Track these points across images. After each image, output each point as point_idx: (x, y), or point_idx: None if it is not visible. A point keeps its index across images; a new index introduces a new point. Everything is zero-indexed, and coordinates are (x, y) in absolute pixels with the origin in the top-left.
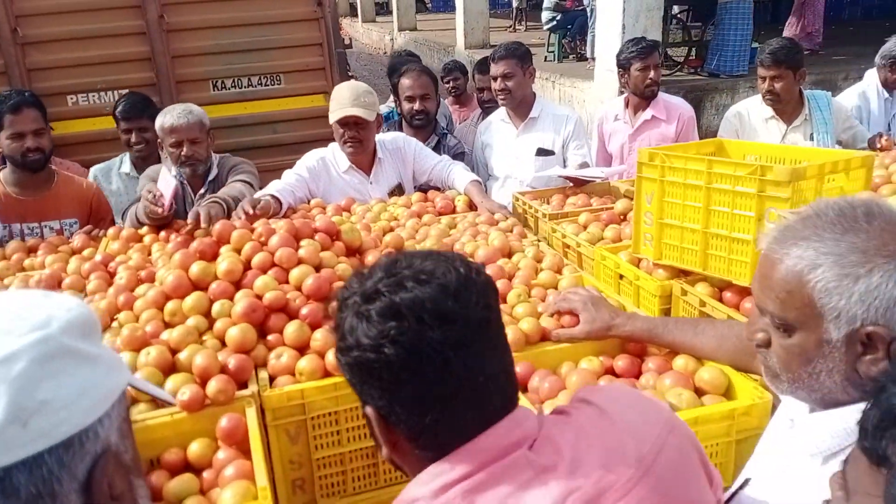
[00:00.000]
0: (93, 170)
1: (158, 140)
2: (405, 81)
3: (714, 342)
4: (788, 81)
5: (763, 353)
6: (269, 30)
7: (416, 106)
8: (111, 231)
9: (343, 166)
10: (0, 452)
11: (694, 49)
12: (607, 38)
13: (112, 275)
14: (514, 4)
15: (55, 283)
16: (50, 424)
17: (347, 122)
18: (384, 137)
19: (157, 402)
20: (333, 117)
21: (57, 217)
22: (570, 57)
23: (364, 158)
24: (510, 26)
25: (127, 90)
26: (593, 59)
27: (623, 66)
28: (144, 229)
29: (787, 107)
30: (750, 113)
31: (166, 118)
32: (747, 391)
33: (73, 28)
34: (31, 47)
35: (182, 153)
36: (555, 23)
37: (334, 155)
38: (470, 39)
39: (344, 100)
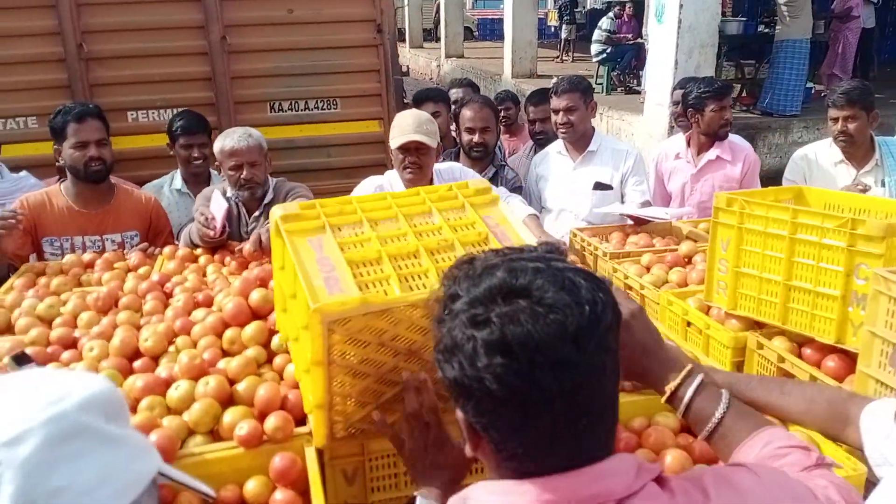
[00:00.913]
0: (144, 188)
1: (216, 162)
2: (466, 113)
3: (803, 405)
4: (862, 122)
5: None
6: (329, 54)
7: (476, 138)
8: (167, 250)
9: None
10: None
11: (746, 87)
12: (659, 73)
13: (168, 295)
14: (563, 35)
15: (112, 302)
16: None
17: (409, 148)
18: (440, 167)
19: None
20: (395, 143)
21: (118, 230)
22: (619, 90)
23: (421, 186)
24: (557, 57)
25: (185, 108)
26: (645, 91)
27: (695, 106)
28: (199, 250)
29: (858, 150)
30: (818, 156)
31: (227, 141)
32: (839, 461)
33: (136, 46)
34: (95, 63)
35: (242, 176)
36: (605, 55)
37: (391, 182)
38: (518, 69)
39: (407, 126)
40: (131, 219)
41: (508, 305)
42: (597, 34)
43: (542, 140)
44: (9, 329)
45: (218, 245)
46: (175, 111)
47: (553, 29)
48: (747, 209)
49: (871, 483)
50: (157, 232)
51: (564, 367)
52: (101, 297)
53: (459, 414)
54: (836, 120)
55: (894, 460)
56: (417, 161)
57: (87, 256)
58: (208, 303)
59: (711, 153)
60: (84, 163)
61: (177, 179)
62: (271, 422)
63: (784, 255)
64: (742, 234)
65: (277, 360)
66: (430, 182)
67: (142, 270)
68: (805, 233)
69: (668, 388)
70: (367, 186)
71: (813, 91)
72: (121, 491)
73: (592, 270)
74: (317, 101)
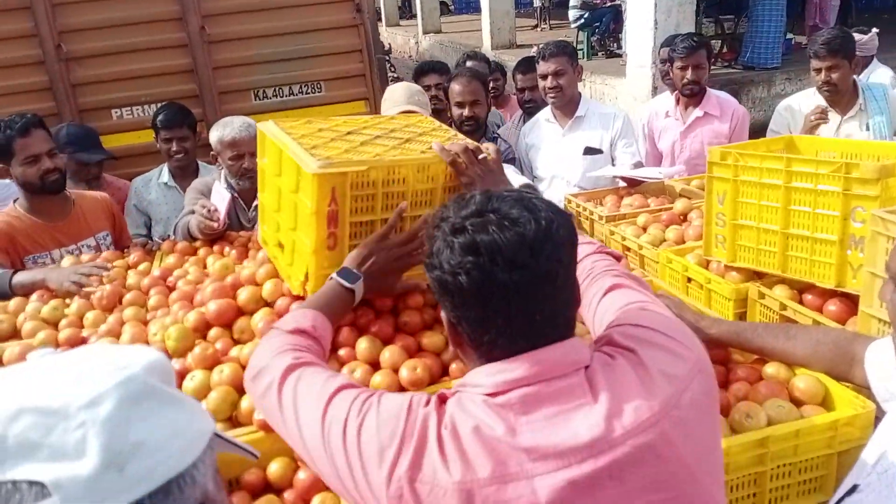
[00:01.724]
0: (134, 181)
1: (213, 153)
2: (455, 87)
3: (809, 348)
4: (844, 71)
5: None
6: (309, 37)
7: (466, 112)
8: (165, 245)
9: None
10: (99, 499)
11: (726, 42)
12: (638, 34)
13: (171, 289)
14: (537, 4)
15: (116, 300)
16: (147, 468)
17: None
18: None
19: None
20: (388, 114)
21: (90, 234)
22: (600, 54)
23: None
24: (535, 25)
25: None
26: (627, 54)
27: (670, 62)
28: (198, 242)
29: (842, 98)
30: (802, 106)
31: (226, 130)
32: (847, 400)
33: (116, 42)
34: (74, 63)
35: (243, 165)
36: (583, 20)
37: None
38: (496, 40)
39: (399, 97)
40: (98, 220)
41: (481, 218)
42: (574, 0)
43: (531, 108)
44: (15, 334)
45: (217, 237)
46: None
47: None
48: (741, 161)
49: (878, 420)
50: (122, 227)
51: (520, 268)
52: (105, 295)
53: (443, 314)
54: (818, 70)
55: None
56: None
57: (84, 257)
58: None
59: (699, 110)
60: (40, 177)
61: (164, 173)
62: None
63: (780, 203)
64: (737, 187)
65: None
66: None
67: (141, 267)
68: (800, 180)
69: None
70: None
71: (793, 42)
72: (187, 447)
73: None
74: (301, 86)
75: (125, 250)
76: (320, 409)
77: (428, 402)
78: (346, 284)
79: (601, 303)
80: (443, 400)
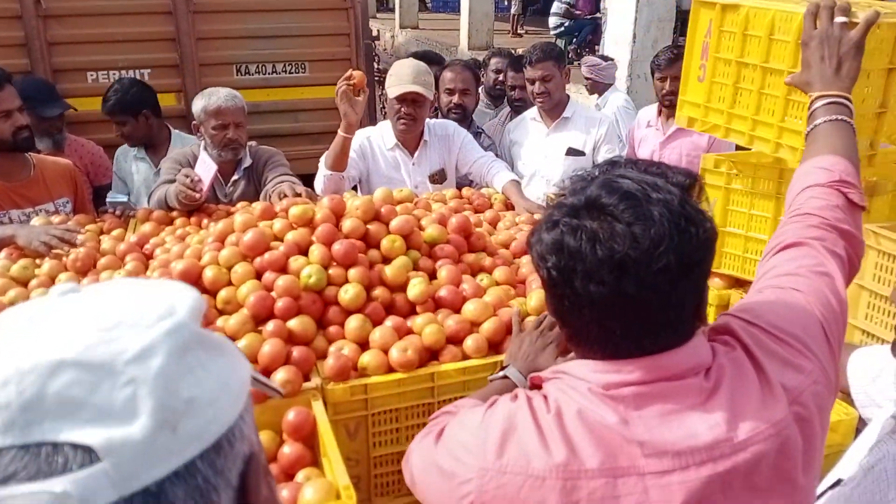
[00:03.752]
0: (119, 150)
1: (195, 122)
2: (447, 74)
3: None
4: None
5: None
6: (298, 16)
7: (455, 99)
8: (140, 213)
9: (389, 143)
10: (152, 464)
11: None
12: (617, 46)
13: (149, 257)
14: (513, 11)
15: (91, 263)
16: (200, 426)
17: (405, 99)
18: (433, 122)
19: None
20: (393, 92)
21: (49, 199)
22: (576, 64)
23: (412, 138)
24: (511, 30)
25: (148, 70)
26: None
27: (651, 72)
28: (174, 213)
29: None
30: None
31: (211, 100)
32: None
33: (97, 3)
34: (53, 20)
35: (227, 136)
36: (562, 29)
37: (381, 132)
38: (474, 41)
39: (405, 76)
40: (58, 185)
41: (578, 219)
42: (556, 6)
43: (519, 107)
44: None
45: (194, 208)
46: (139, 73)
47: (506, 2)
48: (735, 170)
49: (858, 431)
50: (84, 196)
51: (597, 285)
52: (79, 257)
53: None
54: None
55: (881, 401)
56: (412, 113)
57: (55, 219)
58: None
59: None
60: (12, 133)
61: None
62: (281, 375)
63: (771, 215)
64: (728, 195)
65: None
66: (421, 135)
67: (115, 233)
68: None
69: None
70: (358, 138)
71: None
72: (234, 399)
73: (700, 207)
74: (284, 65)
75: (98, 215)
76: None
77: (516, 397)
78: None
79: (773, 258)
80: (536, 385)
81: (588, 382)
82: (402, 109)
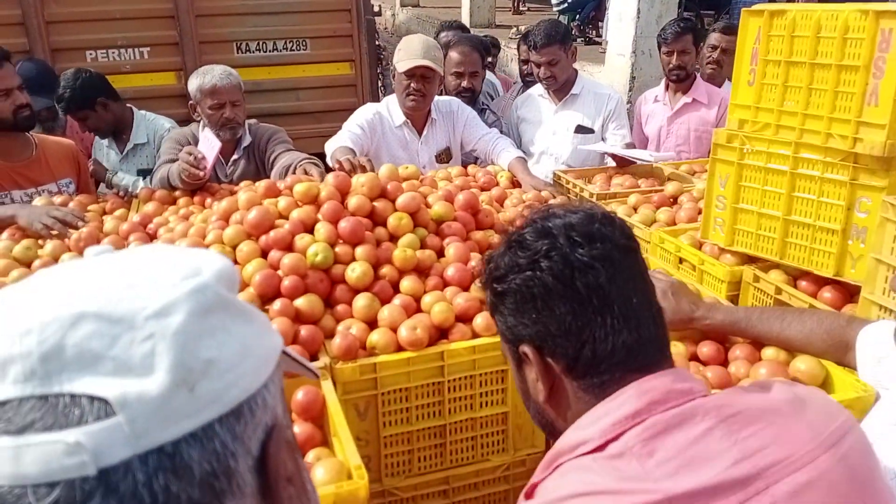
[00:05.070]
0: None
1: (191, 102)
2: (454, 56)
3: (803, 337)
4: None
5: None
6: None
7: (465, 83)
8: (142, 193)
9: (398, 120)
10: (168, 423)
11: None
12: (620, 22)
13: (152, 237)
14: None
15: (94, 243)
16: (218, 388)
17: (415, 74)
18: (439, 99)
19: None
20: (403, 66)
21: (52, 179)
22: (579, 40)
23: (420, 116)
24: (512, 7)
25: (148, 48)
26: (607, 41)
27: (658, 46)
28: (177, 192)
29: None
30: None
31: (206, 78)
32: (848, 384)
33: None
34: None
35: (224, 115)
36: (566, 5)
37: (388, 108)
38: (476, 18)
39: (416, 50)
40: (61, 166)
41: (542, 212)
42: None
43: (531, 83)
44: None
45: (197, 187)
46: (138, 51)
47: None
48: (748, 145)
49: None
50: (86, 176)
51: (597, 240)
52: (82, 237)
53: (524, 347)
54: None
55: (886, 383)
56: (422, 89)
57: (57, 199)
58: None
59: (687, 97)
60: (13, 111)
61: None
62: None
63: (784, 190)
64: (741, 171)
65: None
66: (429, 113)
67: (118, 213)
68: (806, 167)
69: None
70: (367, 113)
71: None
72: (257, 367)
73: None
74: (285, 42)
75: (99, 196)
76: None
77: None
78: None
79: None
80: (530, 496)
81: (588, 443)
82: (412, 85)
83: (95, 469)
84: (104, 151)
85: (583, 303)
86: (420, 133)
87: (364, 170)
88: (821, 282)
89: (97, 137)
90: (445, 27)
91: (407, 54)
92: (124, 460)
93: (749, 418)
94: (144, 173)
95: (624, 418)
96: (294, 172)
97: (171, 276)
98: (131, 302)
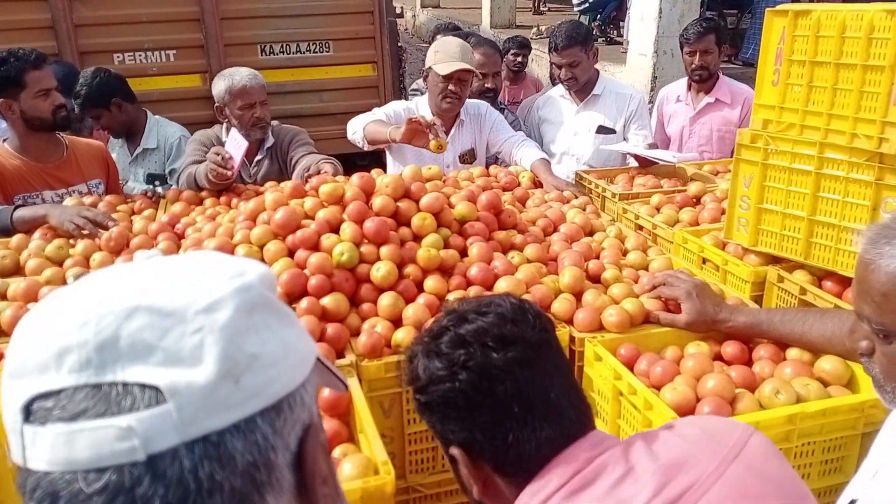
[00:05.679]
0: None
1: (217, 104)
2: (477, 57)
3: (825, 340)
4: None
5: (866, 363)
6: None
7: (489, 83)
8: (170, 193)
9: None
10: (214, 412)
11: (727, 38)
12: (642, 22)
13: (180, 237)
14: None
15: (124, 243)
16: (261, 383)
17: (453, 77)
18: (468, 102)
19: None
20: (442, 69)
21: (82, 180)
22: (600, 40)
23: (449, 116)
24: (532, 8)
25: (174, 50)
26: (628, 41)
27: (681, 46)
28: (204, 192)
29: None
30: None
31: (235, 79)
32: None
33: None
34: (79, 3)
35: (255, 115)
36: (587, 4)
37: (418, 107)
38: (496, 19)
39: (455, 54)
40: (91, 167)
41: (455, 314)
42: None
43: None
44: (18, 271)
45: (224, 188)
46: (164, 54)
47: None
48: (773, 145)
49: None
50: (115, 179)
51: (510, 343)
52: (112, 237)
53: (452, 450)
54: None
55: None
56: (459, 91)
57: (87, 199)
58: None
59: (710, 97)
60: (52, 111)
61: None
62: None
63: (809, 190)
64: (765, 171)
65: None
66: (458, 115)
67: (146, 213)
68: (831, 167)
69: None
70: (396, 106)
71: None
72: (297, 366)
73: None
74: (308, 44)
75: (128, 197)
76: None
77: None
78: None
79: None
80: None
81: None
82: (450, 87)
83: (144, 455)
84: (116, 152)
85: (504, 410)
86: (447, 133)
87: (436, 131)
88: (846, 282)
89: (112, 137)
90: (442, 29)
91: (447, 56)
92: (172, 447)
93: (655, 455)
94: (153, 178)
95: (552, 492)
96: (309, 174)
97: (219, 276)
98: (182, 297)
